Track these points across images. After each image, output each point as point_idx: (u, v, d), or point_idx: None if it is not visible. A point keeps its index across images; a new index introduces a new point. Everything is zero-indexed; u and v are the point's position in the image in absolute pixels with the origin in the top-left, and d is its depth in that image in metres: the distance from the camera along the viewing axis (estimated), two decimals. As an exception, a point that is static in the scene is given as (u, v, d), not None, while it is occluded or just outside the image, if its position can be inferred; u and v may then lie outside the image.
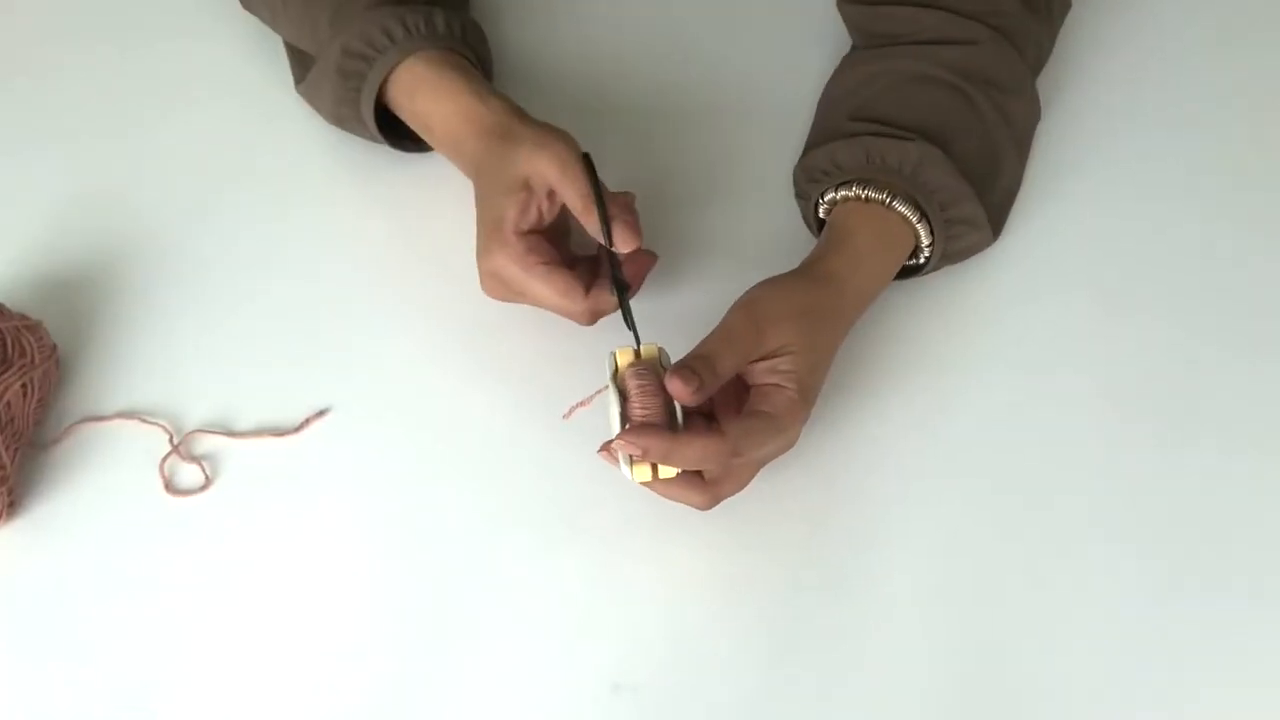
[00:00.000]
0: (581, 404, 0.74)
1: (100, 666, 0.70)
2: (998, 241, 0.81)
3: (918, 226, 0.74)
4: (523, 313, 0.76)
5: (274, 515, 0.74)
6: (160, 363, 0.79)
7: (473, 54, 0.80)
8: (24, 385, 0.73)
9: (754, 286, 0.71)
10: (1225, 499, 0.74)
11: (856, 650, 0.71)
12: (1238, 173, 0.85)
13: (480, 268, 0.73)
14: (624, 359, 0.69)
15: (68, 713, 0.69)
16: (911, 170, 0.74)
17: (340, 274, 0.82)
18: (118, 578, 0.73)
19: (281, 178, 0.85)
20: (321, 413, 0.77)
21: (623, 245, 0.70)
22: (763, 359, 0.68)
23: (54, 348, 0.76)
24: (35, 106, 0.89)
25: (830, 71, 0.84)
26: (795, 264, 0.74)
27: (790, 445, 0.70)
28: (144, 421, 0.77)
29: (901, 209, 0.74)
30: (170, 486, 0.75)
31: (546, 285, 0.71)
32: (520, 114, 0.75)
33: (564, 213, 0.73)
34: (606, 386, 0.68)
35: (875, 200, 0.74)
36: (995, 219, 0.79)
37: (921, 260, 0.77)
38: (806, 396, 0.69)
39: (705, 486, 0.69)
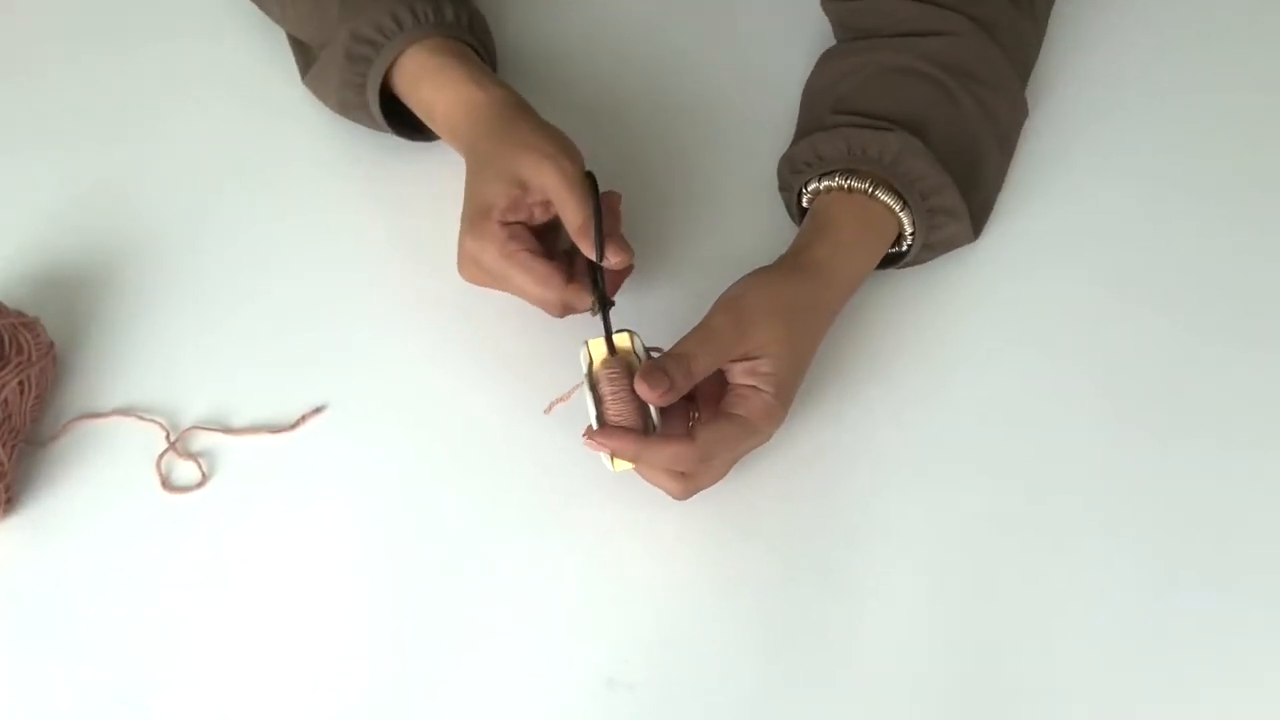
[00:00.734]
0: (561, 399, 0.74)
1: (97, 663, 0.70)
2: (986, 234, 0.81)
3: (900, 215, 0.75)
4: (519, 311, 0.76)
5: (270, 512, 0.74)
6: (157, 360, 0.79)
7: (479, 44, 0.80)
8: (21, 382, 0.73)
9: (738, 282, 0.71)
10: (1218, 493, 0.74)
11: (851, 644, 0.71)
12: (1225, 167, 0.85)
13: (460, 250, 0.73)
14: (598, 352, 0.70)
15: (65, 709, 0.69)
16: (892, 160, 0.75)
17: (337, 272, 0.82)
18: (115, 574, 0.73)
19: (279, 176, 0.86)
20: (318, 410, 0.77)
21: (615, 261, 0.71)
22: (744, 359, 0.69)
23: (51, 345, 0.76)
24: (34, 104, 0.89)
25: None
26: (776, 258, 0.74)
27: (765, 441, 0.71)
28: (141, 418, 0.77)
29: (884, 198, 0.74)
30: (167, 483, 0.75)
31: (525, 273, 0.71)
32: (522, 106, 0.75)
33: (553, 222, 0.74)
34: (582, 383, 0.69)
35: (858, 190, 0.75)
36: (977, 215, 0.79)
37: (903, 248, 0.77)
38: (783, 399, 0.69)
39: (681, 477, 0.70)
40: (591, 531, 0.74)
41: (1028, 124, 0.85)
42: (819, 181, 0.76)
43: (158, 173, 0.86)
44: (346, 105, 0.81)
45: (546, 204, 0.72)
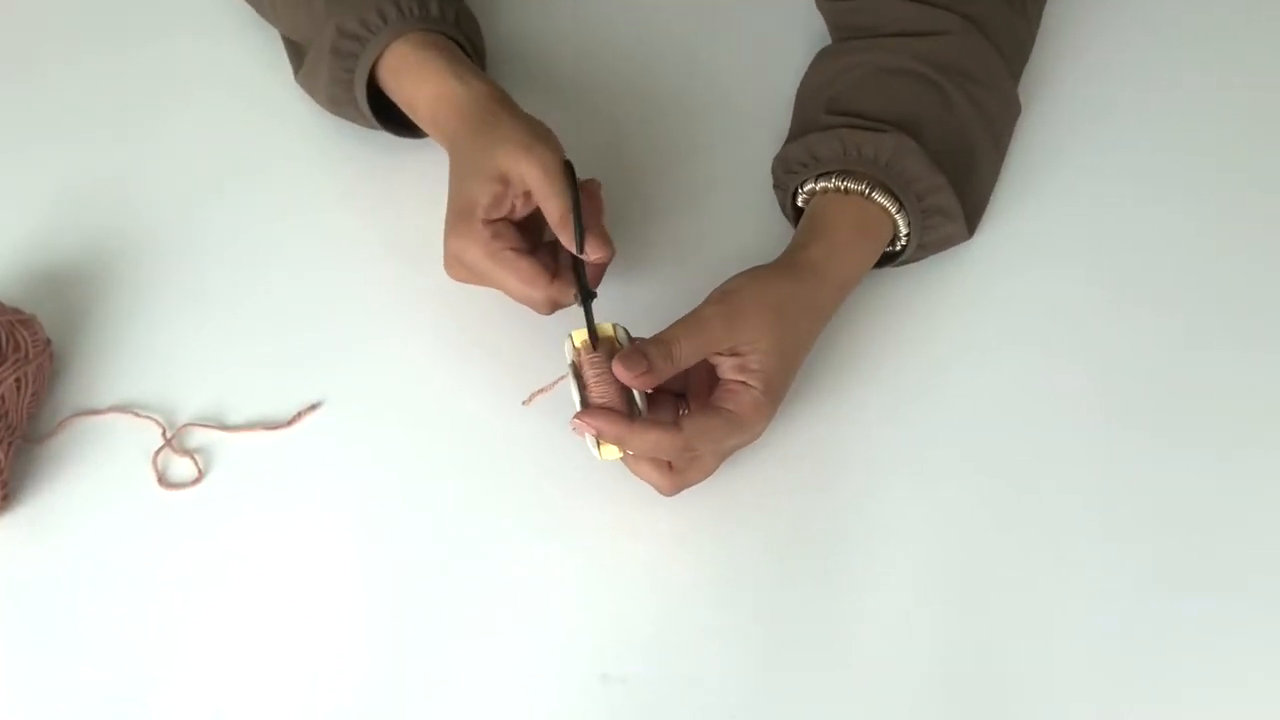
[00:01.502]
0: (543, 390, 0.74)
1: (94, 659, 0.71)
2: (980, 231, 0.81)
3: (896, 217, 0.75)
4: (513, 308, 0.76)
5: (266, 508, 0.75)
6: (153, 357, 0.79)
7: (465, 40, 0.80)
8: (18, 379, 0.73)
9: (733, 277, 0.71)
10: (1213, 492, 0.75)
11: (845, 640, 0.71)
12: (1219, 165, 0.85)
13: (446, 250, 0.74)
14: (581, 342, 0.70)
15: (62, 705, 0.70)
16: (887, 161, 0.75)
17: (333, 269, 0.82)
18: (111, 571, 0.73)
19: (276, 174, 0.86)
20: (313, 406, 0.78)
21: (594, 256, 0.71)
22: (733, 354, 0.69)
23: (48, 342, 0.76)
24: (31, 102, 0.89)
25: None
26: (770, 255, 0.74)
27: (755, 438, 0.71)
28: (137, 415, 0.77)
29: (881, 200, 0.75)
30: (163, 480, 0.75)
31: (510, 273, 0.71)
32: (503, 100, 0.75)
33: (537, 210, 0.74)
34: (566, 375, 0.69)
35: (855, 191, 0.75)
36: (971, 214, 0.80)
37: (898, 248, 0.77)
38: (772, 396, 0.69)
39: (668, 471, 0.70)
40: (586, 527, 0.74)
41: (1022, 122, 0.85)
42: (815, 182, 0.76)
43: (154, 171, 0.86)
44: (336, 102, 0.81)
45: (528, 196, 0.72)
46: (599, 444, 0.68)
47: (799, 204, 0.78)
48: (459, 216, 0.72)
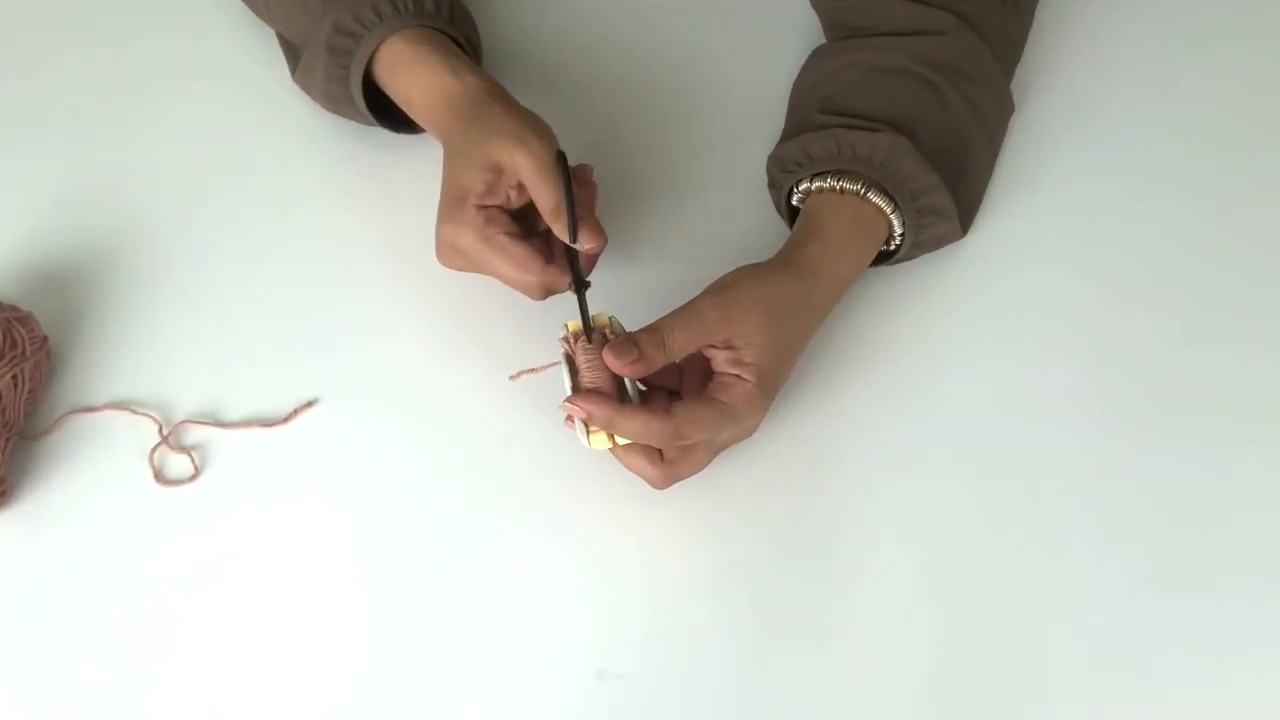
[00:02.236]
0: (533, 371, 0.74)
1: (91, 655, 0.71)
2: (975, 229, 0.82)
3: (891, 217, 0.75)
4: (509, 304, 0.76)
5: (262, 505, 0.75)
6: (150, 354, 0.79)
7: (461, 36, 0.80)
8: (15, 377, 0.73)
9: (730, 272, 0.72)
10: (1207, 489, 0.75)
11: (840, 636, 0.71)
12: (1214, 163, 0.85)
13: (438, 237, 0.74)
14: (575, 331, 0.70)
15: (59, 702, 0.70)
16: (882, 161, 0.75)
17: (330, 266, 0.82)
18: (108, 567, 0.73)
19: (273, 172, 0.86)
20: (310, 403, 0.78)
21: (587, 246, 0.71)
22: (728, 347, 0.69)
23: (45, 339, 0.76)
24: (27, 99, 0.89)
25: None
26: (764, 251, 0.75)
27: (749, 433, 0.72)
28: (134, 412, 0.77)
29: (876, 200, 0.75)
30: (160, 477, 0.76)
31: (504, 257, 0.71)
32: (497, 93, 0.76)
33: (531, 201, 0.74)
34: (559, 362, 0.69)
35: (850, 191, 0.75)
36: (965, 212, 0.80)
37: (892, 247, 0.77)
38: (766, 390, 0.69)
39: (660, 463, 0.70)
40: (582, 524, 0.74)
41: (1015, 120, 0.85)
42: (810, 182, 0.76)
43: (151, 169, 0.86)
44: (333, 99, 0.81)
45: (521, 187, 0.73)
46: (588, 432, 0.68)
47: (794, 203, 0.79)
48: (452, 203, 0.73)
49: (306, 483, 0.75)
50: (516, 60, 0.89)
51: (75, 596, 0.72)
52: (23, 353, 0.74)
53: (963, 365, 0.78)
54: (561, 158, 0.72)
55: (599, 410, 0.67)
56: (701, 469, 0.72)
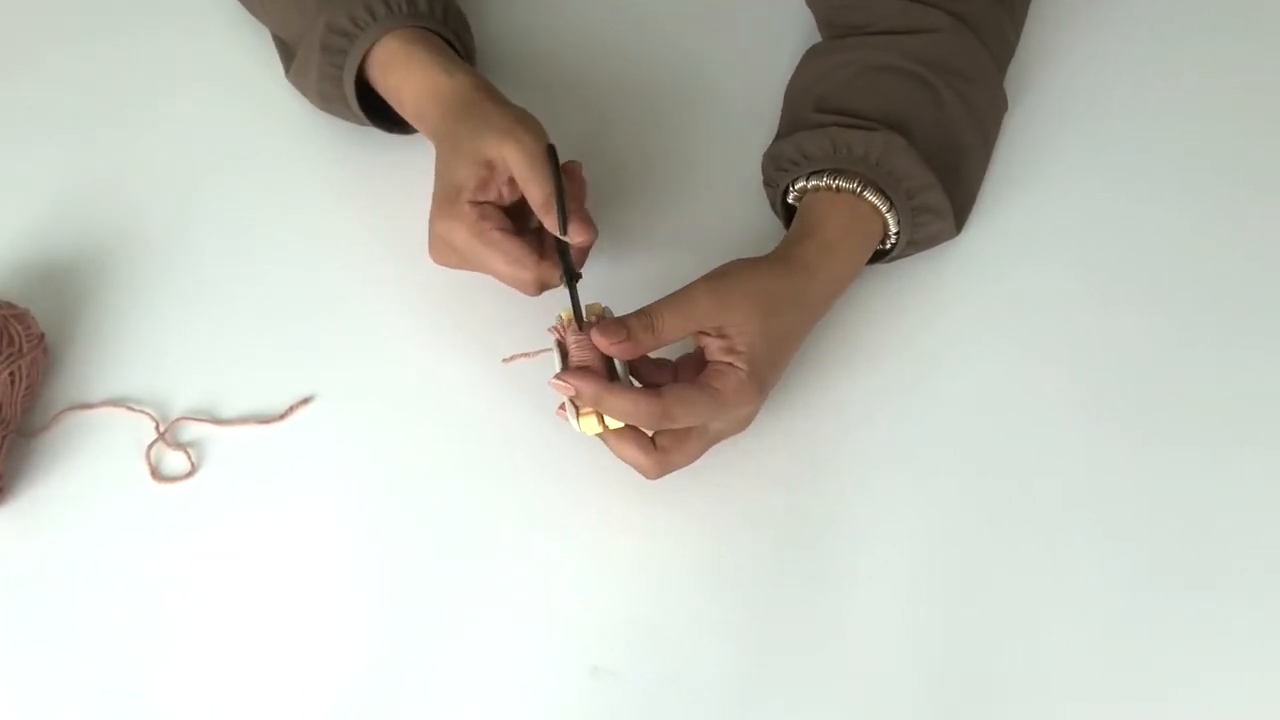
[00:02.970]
0: (526, 355, 0.75)
1: (88, 652, 0.71)
2: (968, 227, 0.82)
3: (887, 216, 0.75)
4: (504, 300, 0.76)
5: (258, 501, 0.75)
6: (146, 351, 0.79)
7: (453, 36, 0.81)
8: (12, 374, 0.74)
9: (726, 262, 0.72)
10: (1199, 488, 0.75)
11: (835, 633, 0.71)
12: (1207, 162, 0.85)
13: (431, 233, 0.74)
14: (566, 318, 0.70)
15: (55, 697, 0.70)
16: (878, 159, 0.75)
17: (326, 264, 0.82)
18: (105, 564, 0.73)
19: (269, 169, 0.86)
20: (306, 400, 0.78)
21: (577, 240, 0.71)
22: (720, 335, 0.69)
23: (42, 336, 0.77)
24: (23, 97, 0.89)
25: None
26: (759, 247, 0.75)
27: (743, 425, 0.72)
28: (130, 409, 0.77)
29: (872, 198, 0.75)
30: (156, 473, 0.76)
31: (497, 252, 0.72)
32: (488, 90, 0.76)
33: (522, 197, 0.74)
34: (552, 348, 0.69)
35: (846, 190, 0.75)
36: (959, 210, 0.80)
37: (887, 246, 0.78)
38: (758, 379, 0.69)
39: (652, 451, 0.70)
40: (578, 520, 0.74)
41: (1009, 119, 0.85)
42: (806, 180, 0.77)
43: (147, 166, 0.86)
44: (326, 98, 0.82)
45: (513, 182, 0.73)
46: (578, 414, 0.68)
47: (790, 201, 0.79)
48: (445, 199, 0.73)
49: (302, 479, 0.76)
50: (509, 59, 0.89)
51: (72, 593, 0.72)
52: (19, 350, 0.74)
53: (958, 363, 0.79)
54: (551, 151, 0.72)
55: (586, 386, 0.67)
56: (694, 459, 0.71)
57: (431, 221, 0.74)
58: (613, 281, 0.77)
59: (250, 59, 0.89)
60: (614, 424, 0.69)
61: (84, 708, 0.70)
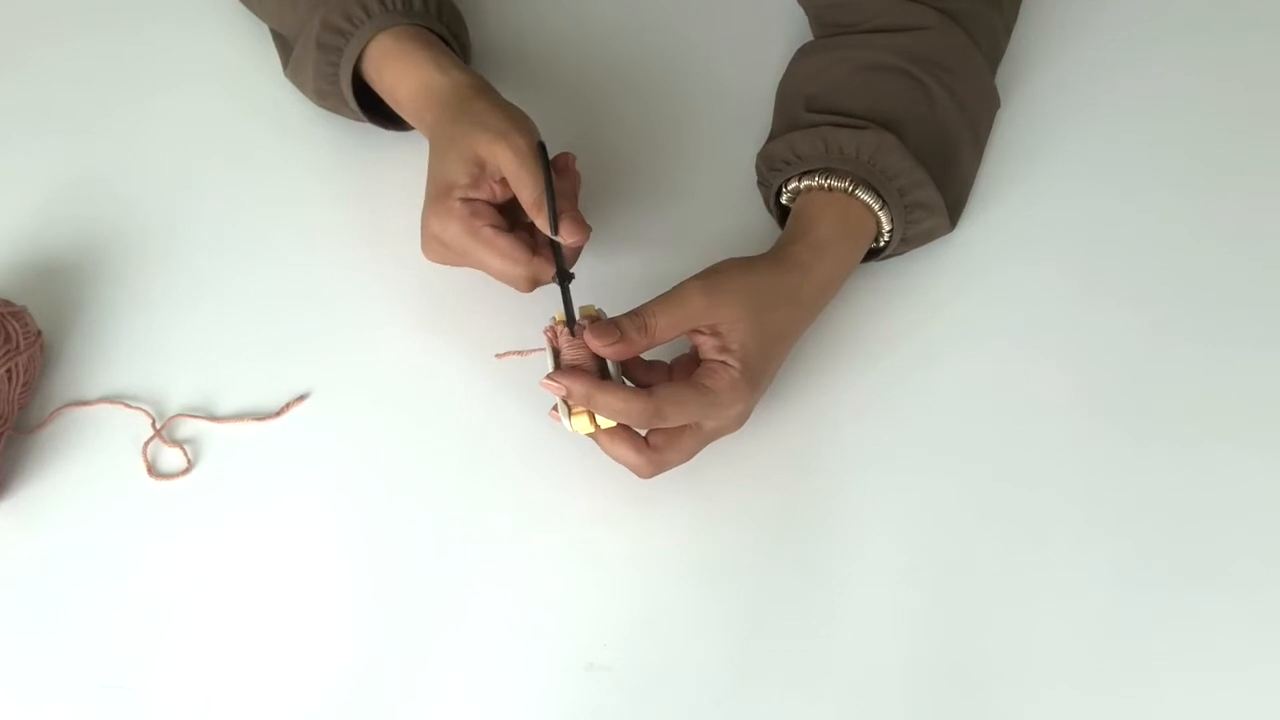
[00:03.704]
0: (519, 353, 0.75)
1: (85, 647, 0.71)
2: (961, 225, 0.82)
3: (879, 214, 0.76)
4: (499, 298, 0.77)
5: (254, 498, 0.75)
6: (143, 348, 0.80)
7: (449, 33, 0.81)
8: (9, 371, 0.74)
9: (719, 261, 0.72)
10: (1191, 485, 0.75)
11: (828, 629, 0.71)
12: (1200, 159, 0.85)
13: (424, 230, 0.74)
14: (560, 320, 0.71)
15: (53, 693, 0.70)
16: (870, 158, 0.75)
17: (321, 261, 0.82)
18: (101, 560, 0.73)
19: (265, 166, 0.86)
20: (301, 397, 0.78)
21: (569, 240, 0.71)
22: (713, 334, 0.69)
23: (39, 333, 0.77)
24: (19, 94, 0.89)
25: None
26: (752, 247, 0.75)
27: (738, 423, 0.72)
28: (127, 406, 0.78)
29: (864, 197, 0.75)
30: (153, 470, 0.76)
31: (490, 249, 0.72)
32: (482, 88, 0.76)
33: (514, 196, 0.74)
34: (544, 348, 0.69)
35: (838, 189, 0.75)
36: (953, 206, 0.80)
37: (881, 244, 0.78)
38: (751, 378, 0.69)
39: (646, 449, 0.70)
40: (572, 517, 0.74)
41: (1002, 116, 0.85)
42: (798, 180, 0.77)
43: (143, 163, 0.86)
44: (323, 95, 0.82)
45: (505, 181, 0.73)
46: (570, 413, 0.68)
47: (783, 202, 0.79)
48: (438, 196, 0.73)
49: (298, 476, 0.76)
50: (505, 57, 0.89)
51: (69, 589, 0.73)
52: (16, 347, 0.75)
53: (950, 360, 0.79)
54: (542, 149, 0.72)
55: (577, 386, 0.67)
56: (688, 458, 0.72)
57: (424, 218, 0.74)
58: (606, 280, 0.77)
59: (246, 55, 0.89)
60: (606, 424, 0.69)
61: (80, 702, 0.70)
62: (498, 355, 0.76)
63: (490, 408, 0.77)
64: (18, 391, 0.75)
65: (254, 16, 0.88)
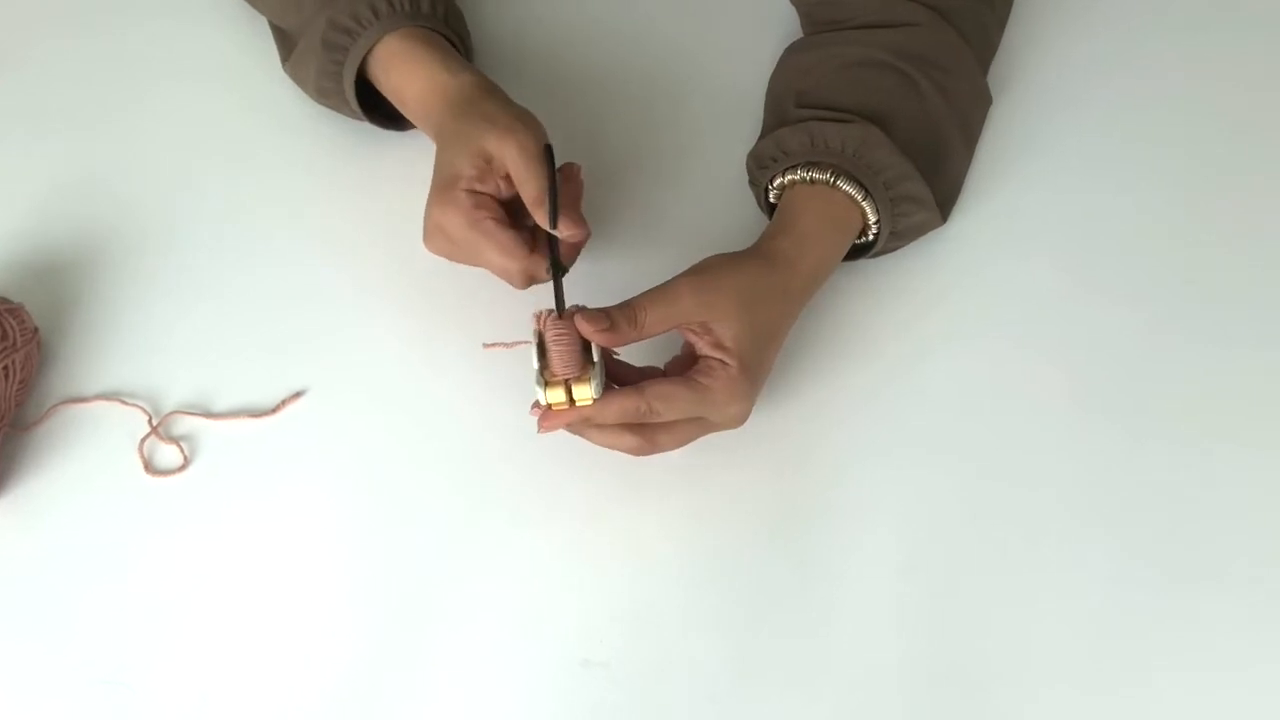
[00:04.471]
0: (505, 345, 0.75)
1: (81, 643, 0.72)
2: (953, 222, 0.82)
3: (863, 205, 0.76)
4: (495, 296, 0.77)
5: (251, 494, 0.76)
6: (140, 346, 0.80)
7: (454, 35, 0.81)
8: (6, 368, 0.74)
9: (706, 258, 0.72)
10: (1184, 482, 0.75)
11: (823, 626, 0.72)
12: (1193, 155, 0.85)
13: (427, 221, 0.74)
14: (547, 311, 0.70)
15: (49, 689, 0.71)
16: (854, 151, 0.75)
17: (318, 258, 0.82)
18: (98, 556, 0.74)
19: (262, 163, 0.86)
20: (298, 394, 0.78)
21: (566, 233, 0.71)
22: (706, 332, 0.69)
23: (36, 331, 0.77)
24: (16, 92, 0.89)
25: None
26: (746, 244, 0.75)
27: (737, 421, 0.72)
28: (124, 403, 0.78)
29: (846, 188, 0.75)
30: (149, 467, 0.76)
31: (490, 241, 0.72)
32: (491, 88, 0.76)
33: (519, 196, 0.74)
34: (530, 341, 0.69)
35: (820, 181, 0.75)
36: (943, 200, 0.80)
37: (870, 238, 0.78)
38: (749, 374, 0.70)
39: (640, 430, 0.70)
40: (568, 513, 0.75)
41: (994, 113, 0.85)
42: (783, 176, 0.77)
43: (140, 160, 0.86)
44: (324, 93, 0.82)
45: (509, 178, 0.73)
46: (545, 386, 0.68)
47: (771, 199, 0.79)
48: (443, 186, 0.73)
49: (294, 472, 0.76)
50: (501, 57, 0.89)
51: (66, 585, 0.73)
52: (13, 344, 0.75)
53: (944, 357, 0.79)
54: (548, 150, 0.73)
55: (567, 417, 0.68)
56: (681, 444, 0.71)
57: (428, 208, 0.74)
58: (600, 277, 0.77)
59: (244, 52, 0.89)
60: (582, 399, 0.68)
61: (77, 698, 0.70)
62: (486, 345, 0.76)
63: (486, 405, 0.77)
64: (15, 388, 0.75)
65: (254, 12, 0.88)
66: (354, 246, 0.83)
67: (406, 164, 0.82)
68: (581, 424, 0.69)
